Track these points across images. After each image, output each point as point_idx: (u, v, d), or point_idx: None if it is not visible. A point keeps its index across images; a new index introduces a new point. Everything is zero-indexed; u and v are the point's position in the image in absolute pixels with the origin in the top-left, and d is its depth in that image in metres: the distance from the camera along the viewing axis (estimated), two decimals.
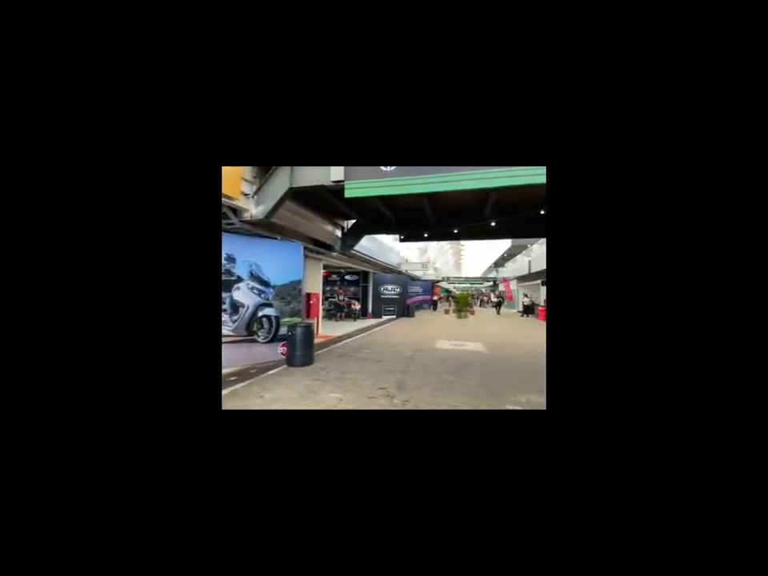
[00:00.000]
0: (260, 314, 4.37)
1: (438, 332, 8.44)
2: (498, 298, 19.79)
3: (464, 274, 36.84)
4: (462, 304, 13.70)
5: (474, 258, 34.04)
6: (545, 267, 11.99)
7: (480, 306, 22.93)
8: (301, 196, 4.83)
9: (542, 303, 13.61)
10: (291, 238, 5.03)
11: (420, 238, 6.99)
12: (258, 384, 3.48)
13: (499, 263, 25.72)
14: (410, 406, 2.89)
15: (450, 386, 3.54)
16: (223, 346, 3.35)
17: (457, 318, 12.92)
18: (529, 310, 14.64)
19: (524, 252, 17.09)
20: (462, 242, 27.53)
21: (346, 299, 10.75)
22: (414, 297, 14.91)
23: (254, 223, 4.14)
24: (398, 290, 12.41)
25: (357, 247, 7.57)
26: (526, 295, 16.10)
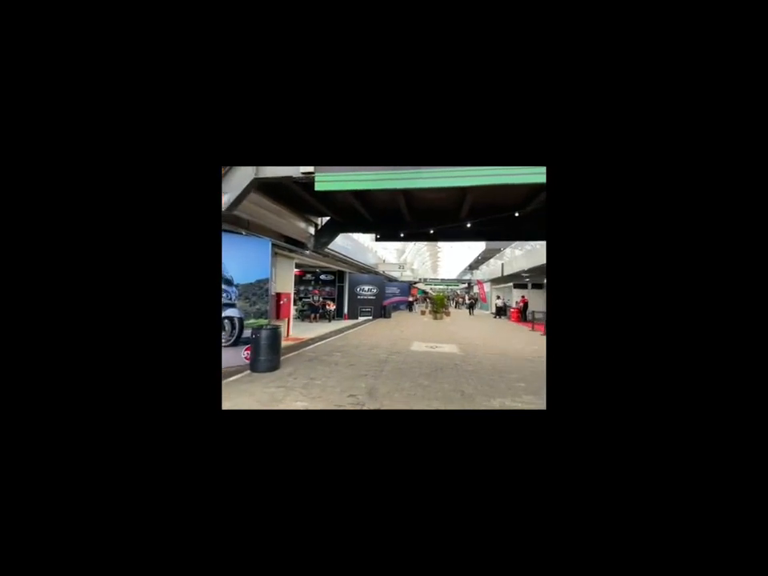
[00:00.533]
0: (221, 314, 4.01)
1: (415, 333, 8.37)
2: (470, 299, 20.26)
3: (440, 276, 37.52)
4: (439, 305, 13.83)
5: (451, 259, 34.74)
6: (516, 270, 12.49)
7: (455, 307, 23.40)
8: (270, 189, 4.52)
9: (514, 305, 14.08)
10: (259, 234, 4.69)
11: (396, 238, 6.89)
12: None
13: (474, 266, 26.41)
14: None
15: (425, 390, 3.41)
16: None
17: (433, 319, 12.99)
18: (501, 311, 15.09)
19: (497, 255, 17.62)
20: (439, 244, 27.98)
21: (321, 299, 10.42)
22: (390, 298, 14.83)
23: None
24: (375, 290, 12.25)
25: (332, 246, 7.31)
26: (498, 297, 16.59)
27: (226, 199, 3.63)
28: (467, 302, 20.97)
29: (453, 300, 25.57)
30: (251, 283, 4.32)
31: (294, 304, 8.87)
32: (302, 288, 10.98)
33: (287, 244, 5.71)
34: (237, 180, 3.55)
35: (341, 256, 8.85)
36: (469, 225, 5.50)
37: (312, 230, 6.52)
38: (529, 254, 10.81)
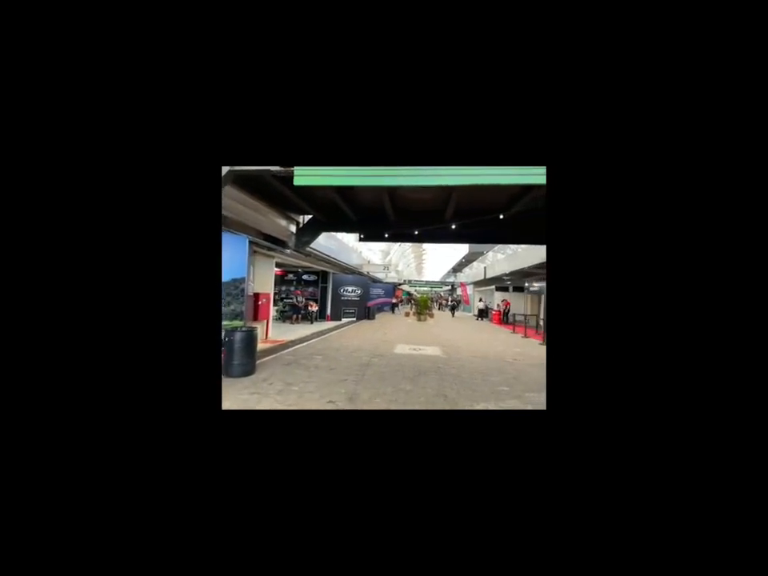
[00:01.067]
0: None
1: (398, 335, 8.27)
2: (453, 301, 20.49)
3: (425, 278, 37.81)
4: (423, 307, 13.83)
5: (435, 262, 35.10)
6: (498, 274, 12.71)
7: (439, 309, 23.59)
8: (247, 183, 4.28)
9: (496, 308, 14.32)
10: (235, 230, 4.43)
11: (380, 239, 6.77)
12: None
13: (457, 268, 26.77)
14: None
15: (407, 395, 3.31)
16: None
17: (417, 320, 12.98)
18: (483, 313, 15.31)
19: (480, 258, 17.91)
20: (424, 246, 28.17)
21: (303, 300, 10.13)
22: (375, 299, 14.70)
23: None
24: (359, 291, 12.08)
25: (315, 246, 7.08)
26: (481, 299, 16.84)
27: None
28: (449, 303, 21.20)
29: (436, 302, 25.78)
30: (226, 282, 4.08)
31: (275, 305, 8.56)
32: (283, 288, 10.65)
33: (266, 242, 5.46)
34: None
35: (324, 256, 8.63)
36: (453, 226, 5.47)
37: (293, 228, 6.28)
38: (510, 257, 11.02)
